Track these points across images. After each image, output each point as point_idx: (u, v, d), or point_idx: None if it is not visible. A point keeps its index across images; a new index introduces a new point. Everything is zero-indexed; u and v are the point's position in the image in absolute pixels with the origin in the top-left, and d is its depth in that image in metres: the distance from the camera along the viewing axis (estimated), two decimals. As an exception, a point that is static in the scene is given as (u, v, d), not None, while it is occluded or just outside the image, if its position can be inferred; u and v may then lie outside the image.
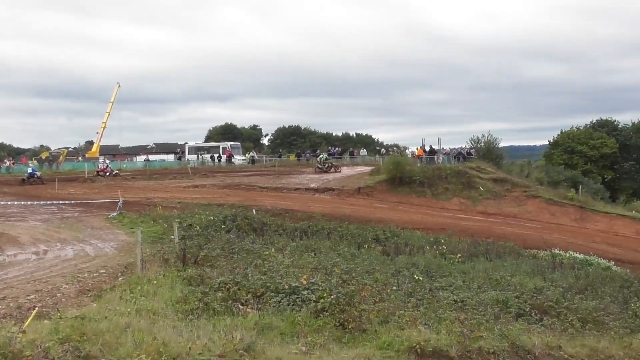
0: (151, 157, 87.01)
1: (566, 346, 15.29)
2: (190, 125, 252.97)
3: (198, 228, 25.42)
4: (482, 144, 69.60)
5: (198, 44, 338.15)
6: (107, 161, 72.20)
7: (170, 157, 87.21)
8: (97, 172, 62.48)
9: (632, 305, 22.17)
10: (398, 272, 20.09)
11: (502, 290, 20.26)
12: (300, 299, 13.88)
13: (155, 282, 14.85)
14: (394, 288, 17.91)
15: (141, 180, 57.54)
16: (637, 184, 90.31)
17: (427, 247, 28.34)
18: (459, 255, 27.20)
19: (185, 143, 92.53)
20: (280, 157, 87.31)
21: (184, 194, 44.74)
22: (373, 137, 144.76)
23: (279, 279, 15.39)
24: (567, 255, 32.92)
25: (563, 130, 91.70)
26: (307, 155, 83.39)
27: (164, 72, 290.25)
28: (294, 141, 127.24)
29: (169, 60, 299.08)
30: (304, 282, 14.76)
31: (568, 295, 21.02)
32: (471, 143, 71.40)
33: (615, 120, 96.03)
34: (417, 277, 19.77)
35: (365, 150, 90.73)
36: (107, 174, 61.38)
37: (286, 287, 14.51)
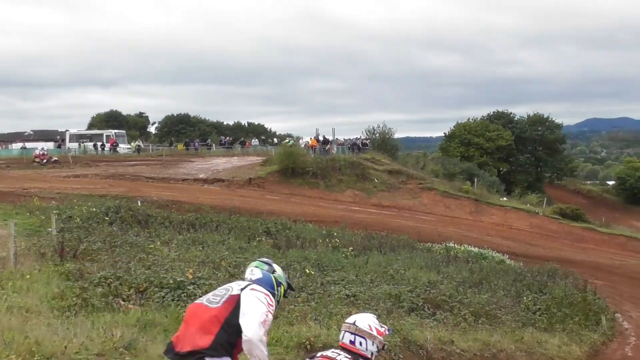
0: (28, 145, 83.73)
1: (458, 340, 15.81)
2: (72, 112, 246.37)
3: (78, 220, 24.72)
4: (377, 135, 70.58)
5: (82, 25, 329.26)
6: (45, 147, 68.55)
7: (50, 145, 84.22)
8: (34, 158, 59.86)
9: (525, 298, 23.18)
10: (289, 266, 20.20)
11: (396, 284, 20.70)
12: (185, 294, 13.78)
13: (29, 277, 14.38)
14: (285, 282, 17.98)
15: (17, 169, 55.48)
16: (532, 177, 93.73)
17: (320, 241, 28.50)
18: (351, 248, 27.52)
19: (66, 130, 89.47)
20: (170, 145, 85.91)
21: (64, 184, 43.41)
22: (266, 126, 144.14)
23: (163, 274, 15.23)
24: (462, 248, 33.91)
25: (459, 122, 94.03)
26: (196, 144, 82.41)
27: (44, 55, 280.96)
28: (183, 130, 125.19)
29: (51, 41, 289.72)
30: (190, 277, 14.68)
31: (461, 289, 21.73)
32: (366, 134, 72.33)
33: (511, 113, 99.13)
34: (308, 271, 19.93)
35: (257, 140, 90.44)
36: (45, 160, 58.81)
37: (171, 281, 14.38)
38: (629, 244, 52.90)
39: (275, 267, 6.28)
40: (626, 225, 69.82)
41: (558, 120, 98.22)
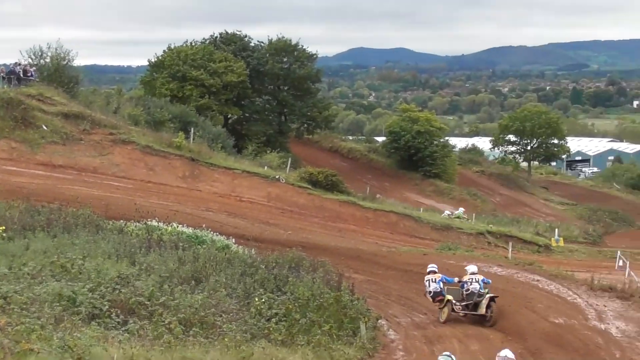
0: None
1: (159, 360, 15.99)
2: None
3: None
4: (48, 61, 68.99)
5: None
6: None
7: None
8: None
9: (256, 300, 23.86)
10: None
11: (70, 280, 20.53)
12: None
13: None
14: None
15: None
16: (272, 129, 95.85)
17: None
18: (3, 228, 26.96)
19: None
20: None
21: None
22: None
23: None
24: (170, 228, 34.23)
25: (172, 46, 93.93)
26: None
27: None
28: None
29: None
30: None
31: (167, 287, 21.96)
32: (30, 58, 70.40)
33: (246, 36, 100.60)
34: None
35: None
36: None
37: None
38: (400, 224, 56.24)
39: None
40: (398, 197, 74.34)
41: (311, 49, 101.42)
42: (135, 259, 25.79)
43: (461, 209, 69.00)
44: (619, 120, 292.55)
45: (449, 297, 29.82)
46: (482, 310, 29.41)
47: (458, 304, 29.77)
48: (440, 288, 30.07)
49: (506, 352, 18.16)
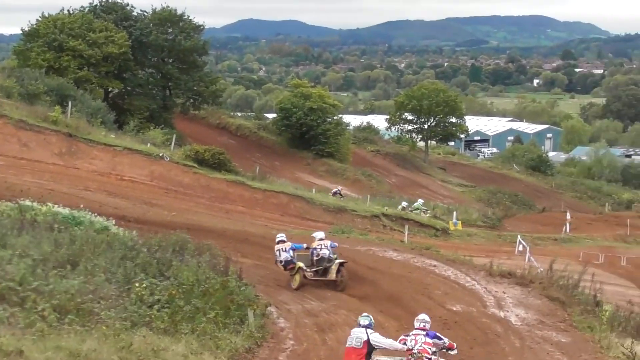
0: None
1: (31, 350, 15.66)
2: None
3: None
4: None
5: None
6: None
7: None
8: None
9: (137, 285, 23.57)
10: None
11: None
12: None
13: None
14: None
15: None
16: (156, 104, 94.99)
17: None
18: None
19: None
20: None
21: None
22: None
23: None
24: (45, 209, 33.65)
25: (45, 15, 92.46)
26: None
27: None
28: None
29: None
30: None
31: (41, 272, 21.53)
32: None
33: (128, 4, 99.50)
34: None
35: None
36: None
37: None
38: (291, 205, 56.35)
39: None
40: (289, 177, 74.50)
41: (198, 20, 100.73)
42: (6, 241, 25.23)
43: (420, 200, 69.48)
44: (519, 99, 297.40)
45: (300, 264, 32.51)
46: (333, 275, 32.41)
47: (309, 270, 32.54)
48: (291, 257, 32.78)
49: (424, 316, 21.38)
